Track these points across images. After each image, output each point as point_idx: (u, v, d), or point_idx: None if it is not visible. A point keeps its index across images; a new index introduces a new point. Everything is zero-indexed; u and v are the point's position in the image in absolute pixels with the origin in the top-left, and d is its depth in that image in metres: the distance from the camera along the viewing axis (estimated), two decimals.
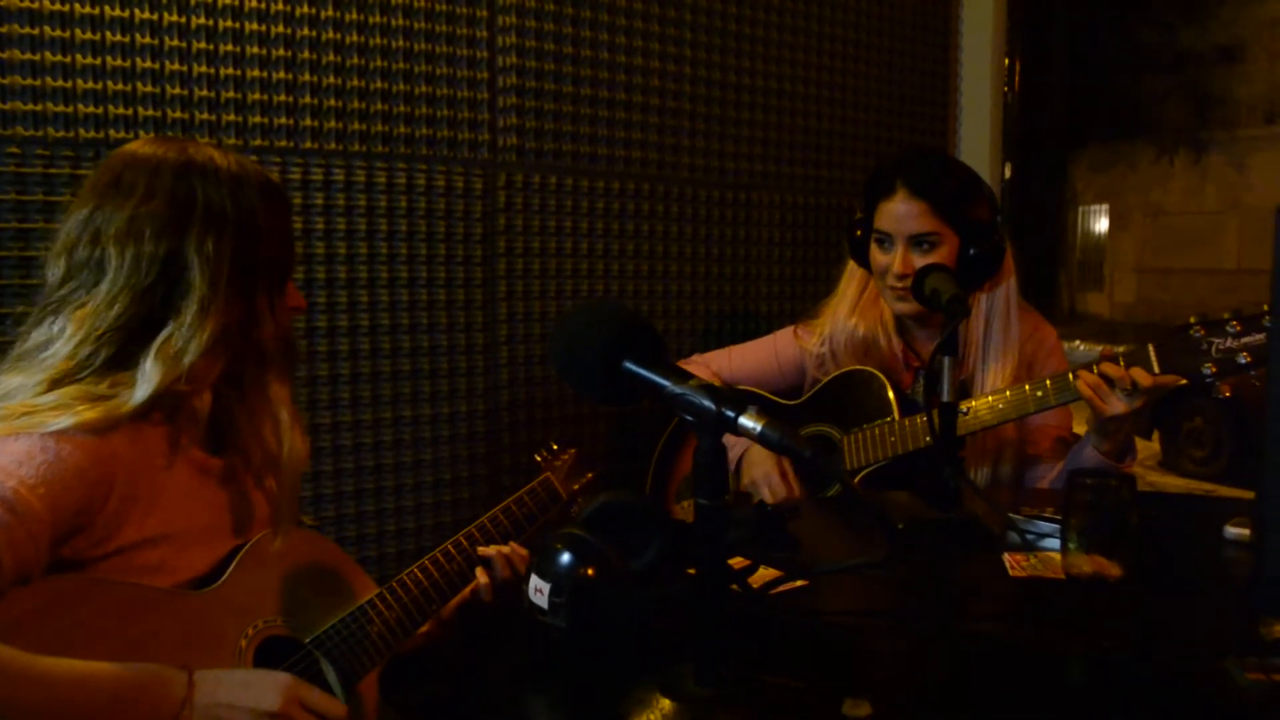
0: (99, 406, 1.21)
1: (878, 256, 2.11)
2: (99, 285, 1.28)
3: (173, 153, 1.33)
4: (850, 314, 2.24)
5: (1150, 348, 1.80)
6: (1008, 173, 3.64)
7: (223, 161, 1.35)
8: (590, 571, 1.19)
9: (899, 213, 2.06)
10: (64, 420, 1.18)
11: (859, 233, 2.18)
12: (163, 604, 1.26)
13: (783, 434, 0.95)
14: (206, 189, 1.31)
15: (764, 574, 1.40)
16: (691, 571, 1.10)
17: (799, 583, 1.46)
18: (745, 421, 0.97)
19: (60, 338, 1.27)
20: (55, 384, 1.23)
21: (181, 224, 1.29)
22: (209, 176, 1.32)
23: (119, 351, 1.26)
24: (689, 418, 1.00)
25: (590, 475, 1.89)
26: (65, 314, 1.28)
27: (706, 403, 0.99)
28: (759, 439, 0.96)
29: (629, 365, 1.04)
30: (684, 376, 1.02)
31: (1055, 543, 1.57)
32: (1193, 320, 1.78)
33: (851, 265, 2.26)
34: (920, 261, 2.02)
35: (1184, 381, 1.81)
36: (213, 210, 1.31)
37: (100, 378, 1.25)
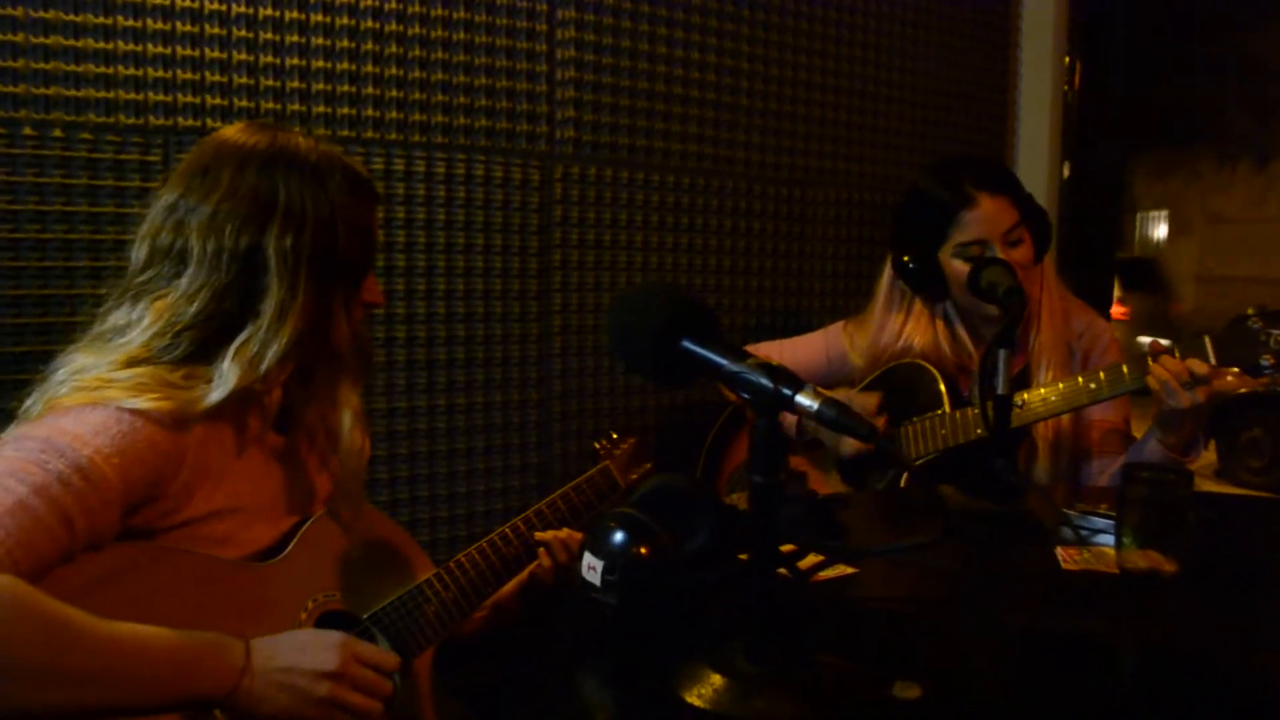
0: (173, 398, 1.24)
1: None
2: (180, 277, 1.30)
3: (263, 143, 1.34)
4: (898, 339, 2.22)
5: (1206, 339, 1.78)
6: (1066, 172, 3.60)
7: (311, 155, 1.35)
8: (643, 550, 1.20)
9: (989, 214, 2.04)
10: (138, 402, 1.21)
11: (911, 264, 2.15)
12: (227, 575, 1.29)
13: (840, 412, 0.96)
14: (289, 185, 1.32)
15: (813, 559, 1.41)
16: (743, 557, 1.11)
17: (847, 570, 1.47)
18: (802, 400, 0.97)
19: (138, 325, 1.29)
20: (131, 363, 1.26)
21: (262, 221, 1.30)
22: (294, 171, 1.33)
23: (196, 347, 1.29)
24: (746, 395, 1.01)
25: (649, 465, 1.90)
26: (145, 302, 1.30)
27: (764, 381, 0.99)
28: (816, 417, 0.97)
29: (687, 344, 1.05)
30: (742, 355, 1.03)
31: (1109, 539, 1.56)
32: (1250, 311, 1.77)
33: (886, 295, 2.25)
34: (1016, 255, 2.02)
35: (1238, 386, 1.79)
36: (293, 208, 1.32)
37: (176, 366, 1.27)
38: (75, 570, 1.14)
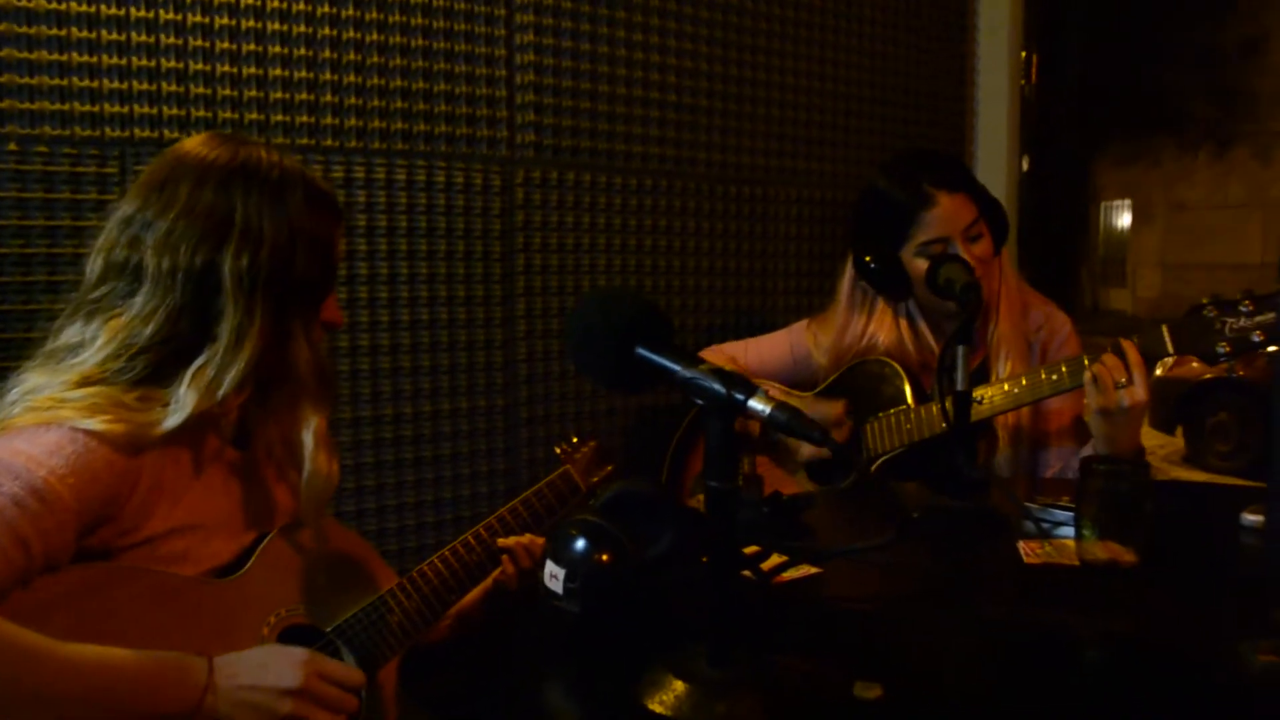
0: (128, 421, 1.22)
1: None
2: (134, 295, 1.28)
3: (223, 157, 1.32)
4: (861, 338, 2.23)
5: (1164, 328, 1.80)
6: (1025, 165, 3.63)
7: (272, 171, 1.33)
8: (605, 557, 1.21)
9: (949, 211, 2.05)
10: (92, 424, 1.20)
11: (873, 264, 2.15)
12: (187, 592, 1.28)
13: (791, 416, 0.96)
14: (247, 203, 1.30)
15: (776, 560, 1.42)
16: (705, 560, 1.11)
17: (812, 570, 1.48)
18: (755, 404, 0.98)
19: (91, 345, 1.27)
20: (85, 383, 1.25)
21: (219, 240, 1.28)
22: (252, 188, 1.31)
23: (152, 370, 1.27)
24: (700, 401, 1.02)
25: (610, 468, 1.90)
26: (99, 320, 1.29)
27: (717, 386, 1.00)
28: (768, 421, 0.97)
29: (641, 351, 1.05)
30: (695, 361, 1.03)
31: (1071, 530, 1.57)
32: (1205, 301, 1.79)
33: (848, 295, 2.26)
34: (976, 250, 2.03)
35: (1194, 362, 1.81)
36: (250, 228, 1.29)
37: (130, 387, 1.26)
38: (32, 594, 1.13)
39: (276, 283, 1.31)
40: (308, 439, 1.39)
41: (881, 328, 2.21)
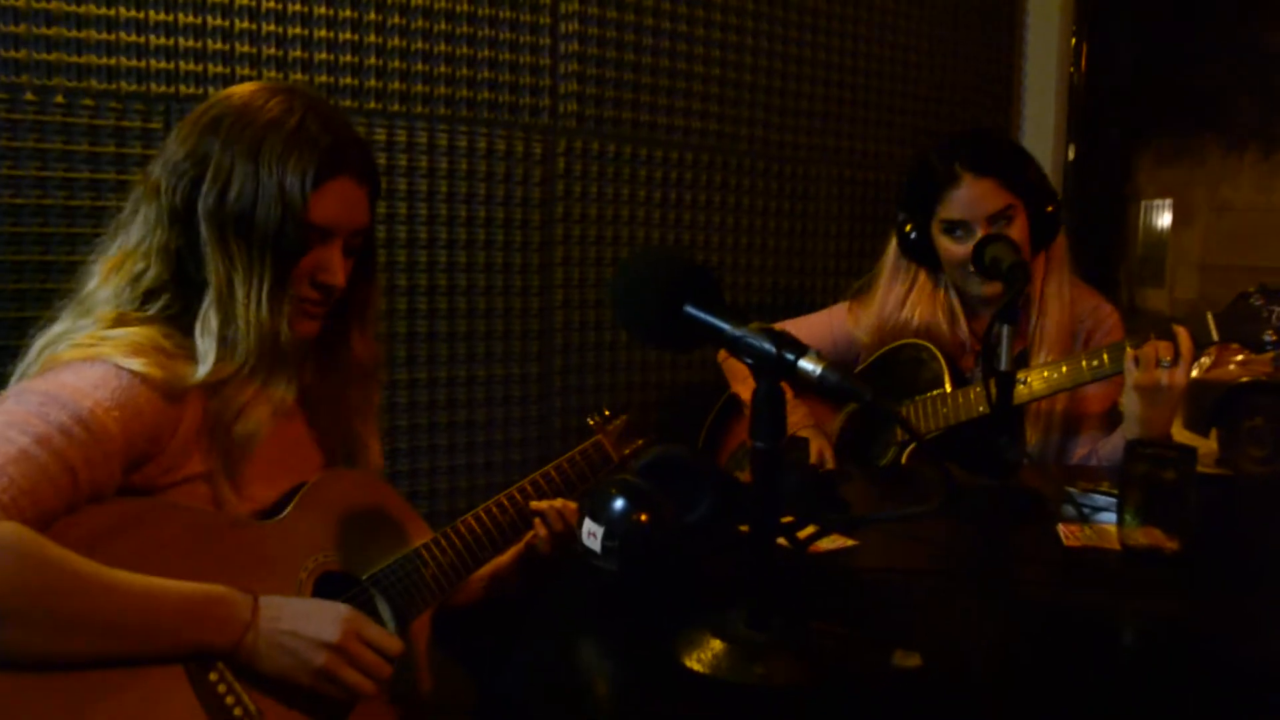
0: (165, 368, 1.23)
1: (952, 248, 2.08)
2: (129, 232, 1.31)
3: (234, 101, 1.31)
4: (900, 307, 2.22)
5: (1209, 316, 1.78)
6: (1071, 154, 3.59)
7: (262, 114, 1.29)
8: (643, 517, 1.20)
9: (972, 196, 2.03)
10: (134, 364, 1.21)
11: (910, 231, 2.15)
12: (228, 531, 1.29)
13: (843, 376, 0.95)
14: (225, 146, 1.27)
15: (812, 529, 1.41)
16: (744, 529, 1.10)
17: (848, 542, 1.46)
18: (805, 364, 0.97)
19: (90, 282, 1.31)
20: (121, 321, 1.26)
21: (195, 180, 1.28)
22: (235, 132, 1.28)
23: (177, 312, 1.28)
24: (749, 360, 1.00)
25: (640, 442, 1.90)
26: (99, 260, 1.32)
27: (767, 345, 0.99)
28: (819, 381, 0.96)
29: (690, 309, 1.04)
30: (744, 319, 1.02)
31: (1111, 516, 1.55)
32: (1252, 289, 1.76)
33: (894, 262, 2.24)
34: None
35: (1239, 375, 1.79)
36: (221, 169, 1.27)
37: (165, 327, 1.27)
38: (79, 522, 1.15)
39: (243, 228, 1.27)
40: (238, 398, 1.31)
41: (920, 300, 2.19)
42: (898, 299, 2.22)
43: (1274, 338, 1.72)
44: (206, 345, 1.26)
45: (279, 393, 1.32)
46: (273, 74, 2.12)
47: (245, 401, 1.29)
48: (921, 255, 2.17)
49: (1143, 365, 1.78)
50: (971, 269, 1.99)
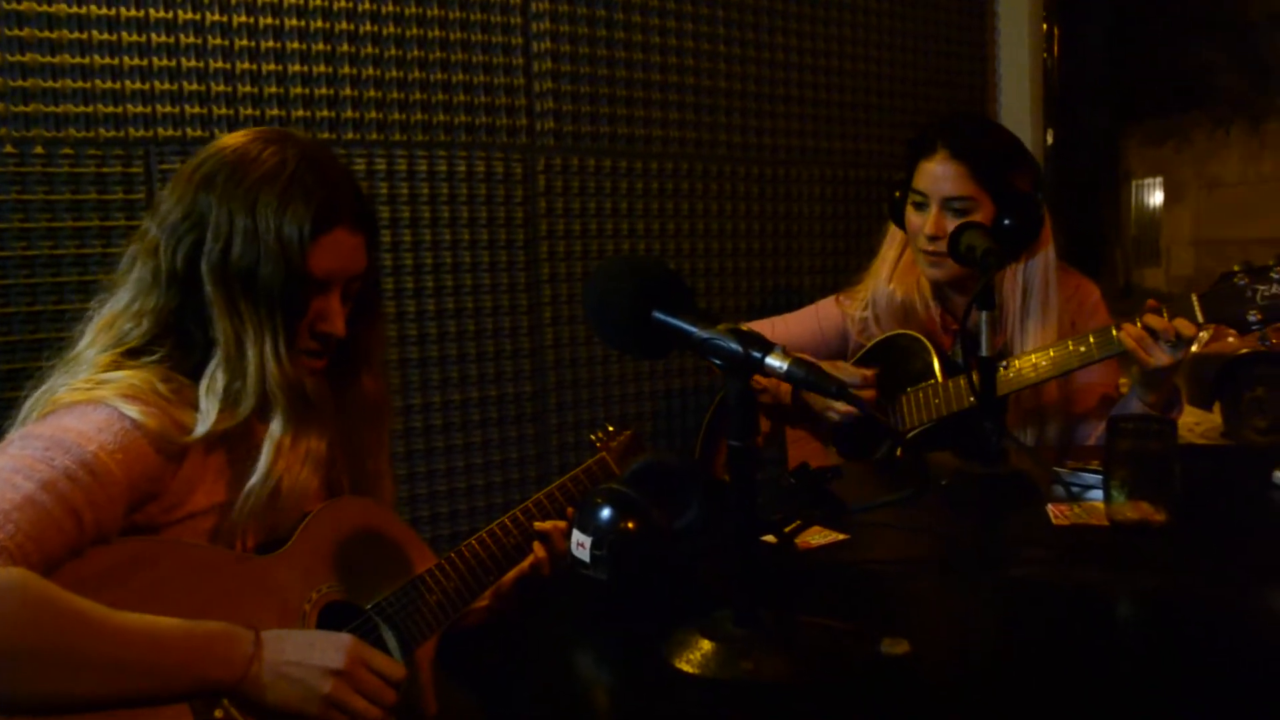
0: (162, 418, 1.24)
1: (913, 218, 2.10)
2: (122, 293, 1.32)
3: (227, 153, 1.31)
4: (889, 278, 2.23)
5: (1193, 297, 1.78)
6: (1049, 139, 3.60)
7: (256, 167, 1.29)
8: (630, 525, 1.22)
9: (937, 173, 2.04)
10: (133, 413, 1.22)
11: (898, 194, 2.17)
12: (231, 566, 1.30)
13: (808, 370, 0.96)
14: (222, 201, 1.28)
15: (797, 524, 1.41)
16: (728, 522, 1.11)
17: (838, 536, 1.47)
18: (772, 361, 0.98)
19: (80, 340, 1.32)
20: (116, 365, 1.27)
21: (196, 240, 1.28)
22: (230, 185, 1.28)
23: (175, 361, 1.29)
24: (717, 361, 1.02)
25: (644, 456, 1.90)
26: (94, 320, 1.33)
27: (733, 345, 1.00)
28: (785, 377, 0.98)
29: (658, 314, 1.05)
30: (712, 322, 1.03)
31: (1100, 494, 1.56)
32: (1236, 268, 1.76)
33: (892, 229, 2.25)
34: (953, 226, 2.00)
35: (1239, 346, 1.80)
36: (220, 226, 1.27)
37: (163, 374, 1.28)
38: (84, 564, 1.16)
39: (249, 285, 1.28)
40: (268, 447, 1.34)
41: (901, 274, 2.21)
42: (889, 265, 2.24)
43: (1259, 317, 1.72)
44: (209, 404, 1.27)
45: (312, 444, 1.36)
46: (249, 111, 2.14)
47: (274, 458, 1.32)
48: (898, 218, 2.19)
49: (1147, 349, 1.80)
50: (924, 246, 2.03)
